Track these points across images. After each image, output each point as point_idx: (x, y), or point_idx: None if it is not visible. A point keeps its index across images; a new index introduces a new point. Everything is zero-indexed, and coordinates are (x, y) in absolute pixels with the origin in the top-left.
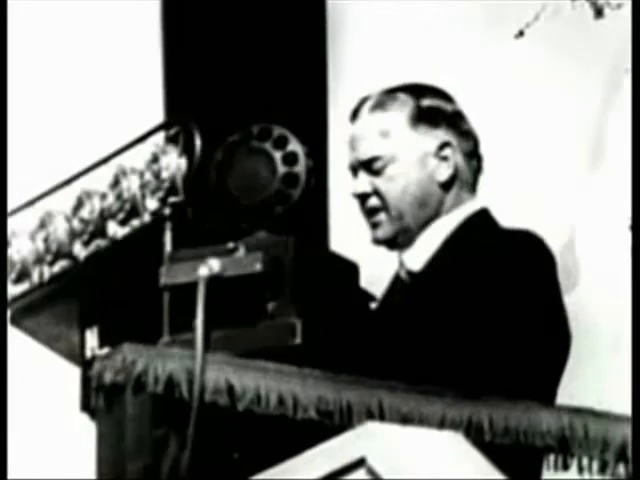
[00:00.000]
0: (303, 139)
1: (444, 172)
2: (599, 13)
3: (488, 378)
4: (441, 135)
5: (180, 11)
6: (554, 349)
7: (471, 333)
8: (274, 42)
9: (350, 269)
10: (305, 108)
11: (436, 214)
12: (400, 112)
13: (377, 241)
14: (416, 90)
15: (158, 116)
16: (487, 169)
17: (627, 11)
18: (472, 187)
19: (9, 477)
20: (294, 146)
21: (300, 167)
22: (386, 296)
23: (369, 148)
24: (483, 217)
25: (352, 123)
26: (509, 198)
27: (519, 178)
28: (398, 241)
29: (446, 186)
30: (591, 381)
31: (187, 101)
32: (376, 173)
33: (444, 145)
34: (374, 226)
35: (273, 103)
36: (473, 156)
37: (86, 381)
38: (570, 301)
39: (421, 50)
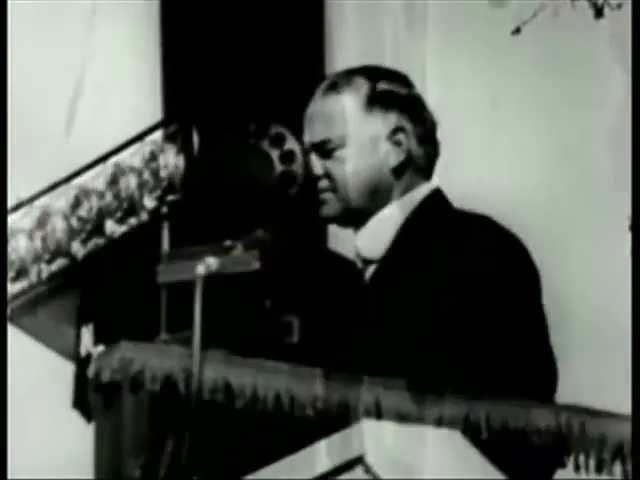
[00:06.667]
0: (300, 137)
1: (396, 157)
2: (599, 13)
3: (457, 373)
4: (394, 119)
5: (179, 10)
6: (529, 340)
7: (442, 326)
8: (272, 41)
9: (348, 267)
10: (302, 106)
11: (387, 199)
12: (354, 95)
13: (323, 219)
14: (373, 73)
15: (156, 115)
16: (482, 168)
17: (627, 11)
18: (426, 172)
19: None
20: (291, 144)
21: (297, 165)
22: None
23: (320, 131)
24: (436, 199)
25: (310, 104)
26: (504, 195)
27: (517, 177)
28: (348, 220)
29: (398, 171)
30: (589, 379)
31: (185, 100)
32: (327, 156)
33: (397, 130)
34: (321, 204)
35: (270, 101)
36: (429, 141)
37: (79, 378)
38: (570, 300)
39: (420, 50)
